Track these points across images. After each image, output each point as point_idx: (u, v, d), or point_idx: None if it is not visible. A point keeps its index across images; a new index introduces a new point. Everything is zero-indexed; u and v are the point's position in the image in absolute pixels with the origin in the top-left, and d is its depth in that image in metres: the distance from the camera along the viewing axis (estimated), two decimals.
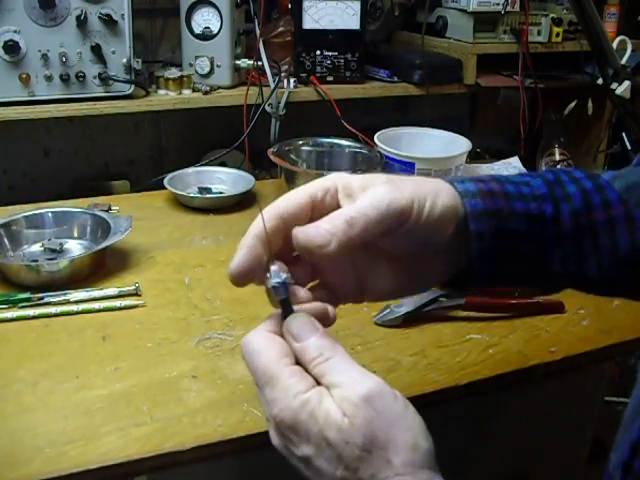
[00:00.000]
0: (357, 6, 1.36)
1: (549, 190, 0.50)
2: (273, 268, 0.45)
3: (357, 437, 0.39)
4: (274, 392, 0.41)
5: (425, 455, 0.40)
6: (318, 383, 0.42)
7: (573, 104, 1.55)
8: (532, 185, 0.50)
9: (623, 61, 1.23)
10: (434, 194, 0.46)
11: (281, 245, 0.46)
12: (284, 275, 0.45)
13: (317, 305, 0.46)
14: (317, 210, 0.46)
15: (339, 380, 0.41)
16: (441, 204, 0.46)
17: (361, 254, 0.49)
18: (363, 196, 0.45)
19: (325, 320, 0.46)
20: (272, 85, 1.33)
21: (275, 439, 0.43)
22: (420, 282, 0.51)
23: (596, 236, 0.50)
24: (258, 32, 1.32)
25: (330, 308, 0.46)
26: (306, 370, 0.43)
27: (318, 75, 1.39)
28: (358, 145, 1.21)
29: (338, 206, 0.46)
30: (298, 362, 0.43)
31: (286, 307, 0.45)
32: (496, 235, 0.48)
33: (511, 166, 1.34)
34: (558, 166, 1.69)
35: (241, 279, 0.45)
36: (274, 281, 0.45)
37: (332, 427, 0.40)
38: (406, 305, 0.76)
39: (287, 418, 0.41)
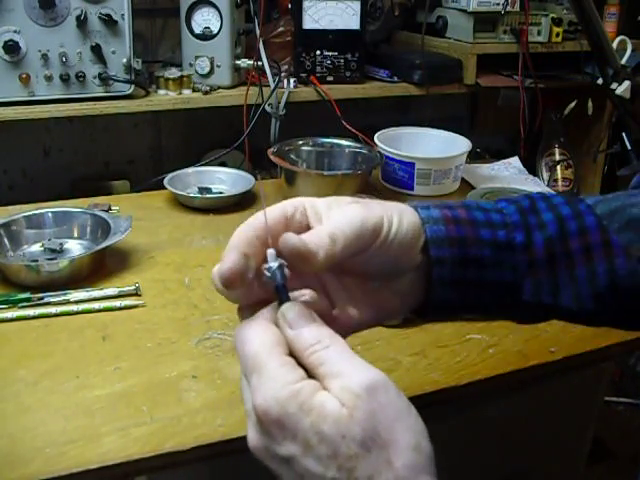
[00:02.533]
0: (357, 6, 1.36)
1: (521, 217, 0.48)
2: (270, 251, 0.42)
3: (356, 431, 0.35)
4: (260, 380, 0.38)
5: (427, 458, 0.37)
6: (310, 377, 0.38)
7: (573, 104, 1.55)
8: (504, 212, 0.48)
9: (623, 61, 1.23)
10: (399, 213, 0.46)
11: (256, 261, 0.43)
12: (280, 259, 0.42)
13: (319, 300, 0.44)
14: (290, 227, 0.44)
15: (339, 369, 0.37)
16: (406, 221, 0.45)
17: (330, 279, 0.47)
18: (335, 215, 0.44)
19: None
20: (272, 85, 1.33)
21: (254, 439, 0.39)
22: (388, 310, 0.49)
23: (572, 265, 0.48)
24: (258, 32, 1.32)
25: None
26: (299, 361, 0.39)
27: (318, 75, 1.40)
28: (358, 145, 1.21)
29: (308, 225, 0.45)
30: (292, 354, 0.39)
31: (283, 294, 0.42)
32: (459, 262, 0.46)
33: (511, 166, 1.34)
34: (558, 166, 1.69)
35: (235, 282, 0.41)
36: (270, 264, 0.42)
37: (327, 419, 0.35)
38: None
39: (272, 409, 0.36)
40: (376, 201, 0.47)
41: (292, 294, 0.43)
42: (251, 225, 0.44)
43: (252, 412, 0.38)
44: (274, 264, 0.42)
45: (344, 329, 0.46)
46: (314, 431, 0.36)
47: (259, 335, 0.40)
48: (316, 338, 0.39)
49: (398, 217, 0.45)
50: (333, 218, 0.44)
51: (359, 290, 0.48)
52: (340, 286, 0.47)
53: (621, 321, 0.52)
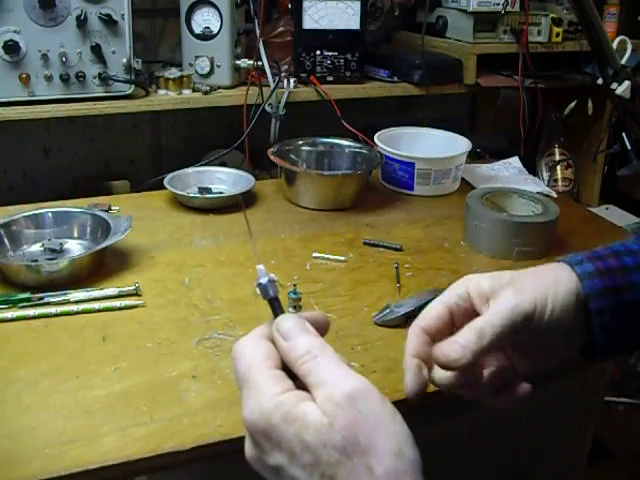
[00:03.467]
0: (357, 6, 1.36)
1: None
2: (259, 267, 0.44)
3: (336, 439, 0.37)
4: (249, 393, 0.40)
5: (410, 465, 0.37)
6: (298, 387, 0.40)
7: (573, 104, 1.55)
8: None
9: (623, 61, 1.23)
10: (554, 289, 0.51)
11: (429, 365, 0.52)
12: (271, 274, 0.45)
13: (313, 313, 0.46)
14: (455, 316, 0.53)
15: (324, 378, 0.39)
16: (562, 297, 0.51)
17: (497, 353, 0.54)
18: (491, 304, 0.51)
19: (320, 329, 0.45)
20: (272, 85, 1.34)
21: (248, 451, 0.42)
22: (554, 360, 0.56)
23: None
24: (258, 32, 1.32)
25: (325, 318, 0.47)
26: (291, 370, 0.41)
27: (318, 75, 1.40)
28: (358, 145, 1.21)
29: (473, 308, 0.52)
30: (284, 366, 0.42)
31: (276, 307, 0.44)
32: (617, 309, 0.52)
33: (511, 166, 1.34)
34: (558, 166, 1.69)
35: (421, 393, 0.52)
36: (261, 280, 0.44)
37: (309, 428, 0.37)
38: (406, 305, 0.76)
39: (258, 421, 0.39)
40: (532, 273, 0.53)
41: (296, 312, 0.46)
42: (417, 326, 0.52)
43: (244, 423, 0.40)
44: (264, 280, 0.45)
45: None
46: (297, 440, 0.37)
47: (251, 351, 0.42)
48: (306, 349, 0.41)
49: (553, 296, 0.51)
50: (488, 311, 0.50)
51: (523, 354, 0.54)
52: (506, 355, 0.55)
53: None
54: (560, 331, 0.52)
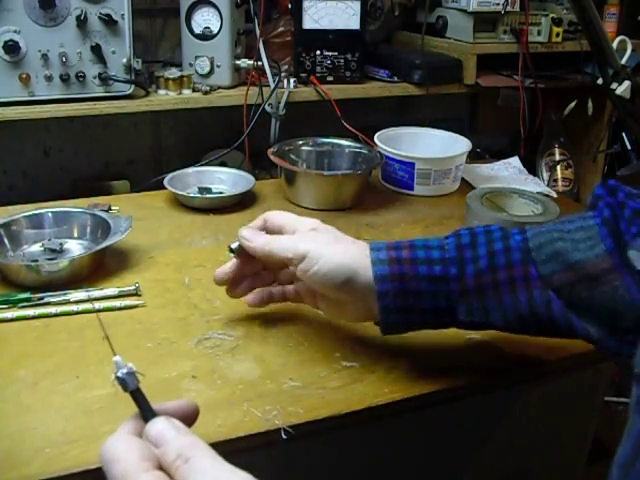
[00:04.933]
0: (357, 6, 1.36)
1: (458, 254, 0.59)
2: (116, 359, 0.43)
3: None
4: None
5: None
6: None
7: (573, 104, 1.55)
8: (445, 249, 0.60)
9: (623, 61, 1.23)
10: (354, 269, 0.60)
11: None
12: (129, 365, 0.43)
13: (180, 403, 0.46)
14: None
15: None
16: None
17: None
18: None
19: (187, 418, 0.45)
20: (272, 85, 1.34)
21: None
22: (354, 318, 0.67)
23: (499, 293, 0.58)
24: (258, 32, 1.32)
25: (192, 405, 0.46)
26: (169, 475, 0.40)
27: (318, 75, 1.40)
28: (358, 145, 1.21)
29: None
30: (162, 467, 0.41)
31: (139, 399, 0.43)
32: (400, 294, 0.59)
33: (511, 166, 1.34)
34: (558, 166, 1.70)
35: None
36: (120, 372, 0.43)
37: None
38: None
39: None
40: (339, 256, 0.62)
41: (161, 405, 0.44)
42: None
43: None
44: (122, 372, 0.43)
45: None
46: None
47: (124, 453, 0.40)
48: (177, 452, 0.40)
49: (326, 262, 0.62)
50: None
51: (326, 301, 0.66)
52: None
53: (545, 336, 0.63)
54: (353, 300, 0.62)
